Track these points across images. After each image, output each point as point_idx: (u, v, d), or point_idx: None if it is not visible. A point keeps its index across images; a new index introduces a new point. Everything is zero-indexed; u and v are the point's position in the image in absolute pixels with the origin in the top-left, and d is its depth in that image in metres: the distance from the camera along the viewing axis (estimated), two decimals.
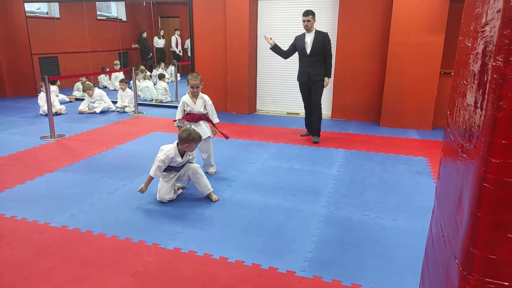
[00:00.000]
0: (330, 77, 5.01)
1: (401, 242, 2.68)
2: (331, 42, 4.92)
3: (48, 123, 5.20)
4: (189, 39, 7.13)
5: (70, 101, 7.82)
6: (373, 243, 2.68)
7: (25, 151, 4.63)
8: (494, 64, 0.82)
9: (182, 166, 3.29)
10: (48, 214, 3.03)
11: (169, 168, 3.23)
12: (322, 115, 6.66)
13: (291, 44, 5.09)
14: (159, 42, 9.43)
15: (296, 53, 5.06)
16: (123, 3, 8.99)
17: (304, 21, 4.85)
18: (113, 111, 6.99)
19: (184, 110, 3.81)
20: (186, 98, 3.82)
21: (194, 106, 3.80)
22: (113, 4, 9.23)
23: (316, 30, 4.89)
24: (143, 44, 9.42)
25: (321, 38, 4.84)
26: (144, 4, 8.81)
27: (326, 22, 6.30)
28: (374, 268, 2.39)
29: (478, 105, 0.92)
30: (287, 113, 6.78)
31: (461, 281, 0.94)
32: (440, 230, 1.24)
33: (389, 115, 5.95)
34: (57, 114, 6.50)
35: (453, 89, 1.31)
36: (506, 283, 0.88)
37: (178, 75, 8.76)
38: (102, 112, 6.84)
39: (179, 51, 9.52)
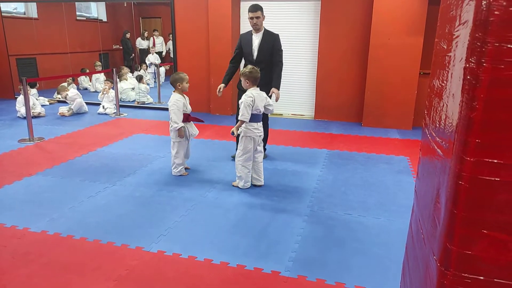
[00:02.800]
0: (279, 90, 4.01)
1: (384, 240, 2.73)
2: (281, 47, 4.10)
3: (27, 125, 5.07)
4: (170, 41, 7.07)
5: (50, 103, 7.64)
6: (356, 241, 2.72)
7: (2, 155, 4.50)
8: (467, 65, 0.85)
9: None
10: (27, 219, 2.96)
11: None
12: (305, 116, 6.75)
13: (238, 45, 4.21)
14: (142, 43, 9.32)
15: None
16: (103, 3, 8.85)
17: (252, 18, 3.95)
18: (100, 113, 6.85)
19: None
20: (181, 97, 3.74)
21: (188, 105, 3.85)
22: (93, 4, 9.07)
23: (265, 29, 4.07)
24: (126, 45, 9.29)
25: (271, 41, 4.02)
26: (125, 5, 8.69)
27: (308, 25, 6.36)
28: (357, 266, 2.43)
29: (453, 105, 0.94)
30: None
31: (439, 277, 0.96)
32: (420, 227, 1.27)
33: (371, 115, 6.05)
34: (36, 116, 6.34)
35: (430, 89, 1.35)
36: (482, 278, 0.91)
37: (163, 76, 8.68)
38: (81, 113, 6.72)
39: (161, 52, 9.44)
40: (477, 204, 0.88)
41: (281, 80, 4.13)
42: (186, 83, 3.75)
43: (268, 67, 4.02)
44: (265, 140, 4.50)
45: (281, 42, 4.16)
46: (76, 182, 3.72)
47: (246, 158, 3.52)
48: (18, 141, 5.03)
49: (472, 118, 0.84)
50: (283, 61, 4.15)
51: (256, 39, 4.06)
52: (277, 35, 4.10)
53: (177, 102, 3.70)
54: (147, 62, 9.05)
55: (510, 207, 0.86)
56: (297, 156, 4.60)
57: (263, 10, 4.03)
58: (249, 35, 4.13)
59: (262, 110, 3.53)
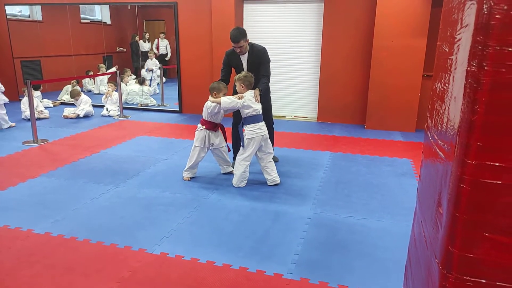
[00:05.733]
0: (261, 94, 3.74)
1: (386, 243, 2.72)
2: (269, 59, 4.00)
3: (31, 127, 5.10)
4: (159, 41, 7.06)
5: (54, 106, 7.70)
6: (359, 244, 2.71)
7: (6, 157, 4.53)
8: (468, 69, 0.85)
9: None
10: (31, 221, 2.98)
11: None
12: (308, 118, 6.75)
13: (225, 64, 4.09)
14: (144, 46, 9.36)
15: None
16: (107, 6, 8.90)
17: (235, 47, 3.86)
18: (103, 115, 6.88)
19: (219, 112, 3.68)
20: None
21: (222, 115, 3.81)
22: (97, 7, 9.12)
23: (250, 46, 3.95)
24: (135, 47, 9.34)
25: (258, 57, 3.94)
26: (129, 7, 8.73)
27: (311, 27, 6.37)
28: (360, 269, 2.42)
29: (455, 108, 0.95)
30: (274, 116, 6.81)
31: (441, 280, 0.96)
32: (422, 230, 1.27)
33: (374, 117, 6.04)
34: (40, 118, 6.38)
35: (432, 92, 1.35)
36: (484, 281, 0.91)
37: (164, 78, 8.71)
38: (86, 117, 6.75)
39: (166, 54, 9.45)
40: (479, 207, 0.88)
41: (268, 86, 4.03)
42: (223, 95, 3.64)
43: (258, 76, 3.92)
44: (271, 143, 4.48)
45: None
46: (80, 184, 3.74)
47: (244, 158, 3.60)
48: (22, 143, 5.07)
49: (473, 121, 0.84)
50: (270, 73, 4.04)
51: (244, 60, 3.99)
52: (263, 48, 3.99)
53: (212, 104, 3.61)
54: (145, 68, 8.94)
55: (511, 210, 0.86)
56: (300, 158, 4.60)
57: (246, 34, 3.84)
58: (235, 55, 3.99)
59: (260, 110, 3.61)
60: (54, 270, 2.38)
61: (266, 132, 3.64)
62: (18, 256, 2.52)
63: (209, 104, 3.64)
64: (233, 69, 4.12)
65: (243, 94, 3.58)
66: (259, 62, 3.94)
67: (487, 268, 0.90)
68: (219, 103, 3.55)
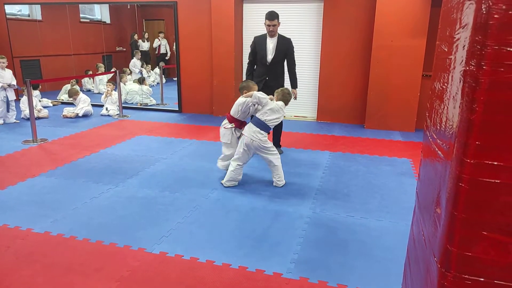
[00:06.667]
0: (298, 88, 4.47)
1: (386, 242, 2.73)
2: (294, 49, 4.43)
3: (30, 127, 5.10)
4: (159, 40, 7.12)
5: (54, 105, 7.69)
6: (359, 243, 2.71)
7: (6, 156, 4.53)
8: (467, 68, 0.86)
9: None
10: (30, 220, 2.98)
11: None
12: (308, 117, 6.76)
13: (252, 48, 4.43)
14: (143, 45, 9.36)
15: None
16: (107, 5, 8.90)
17: (268, 25, 4.16)
18: (102, 115, 6.89)
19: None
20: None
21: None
22: (96, 6, 9.11)
23: (279, 34, 4.32)
24: (135, 47, 9.34)
25: (285, 45, 4.30)
26: (129, 7, 8.72)
27: (311, 27, 6.37)
28: (360, 268, 2.43)
29: (453, 107, 0.95)
30: None
31: (439, 278, 0.97)
32: (421, 229, 1.28)
33: (373, 117, 6.04)
34: (39, 118, 6.38)
35: (431, 92, 1.35)
36: (482, 279, 0.91)
37: (153, 79, 8.74)
38: (85, 116, 6.75)
39: (166, 53, 9.46)
40: (477, 206, 0.88)
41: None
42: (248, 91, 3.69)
43: (280, 68, 4.41)
44: (279, 137, 4.70)
45: None
46: (79, 183, 3.74)
47: (234, 158, 3.62)
48: (21, 142, 5.07)
49: (472, 120, 0.85)
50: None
51: (271, 43, 4.29)
52: (290, 39, 4.36)
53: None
54: (134, 69, 8.83)
55: (510, 209, 0.86)
56: (300, 157, 4.60)
57: (279, 17, 4.24)
58: (263, 38, 4.33)
59: (270, 121, 3.55)
60: (54, 270, 2.38)
61: (256, 143, 3.50)
62: (17, 255, 2.53)
63: (242, 100, 3.66)
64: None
65: (274, 98, 3.65)
66: (287, 50, 4.31)
67: (485, 267, 0.90)
68: (251, 96, 3.57)
